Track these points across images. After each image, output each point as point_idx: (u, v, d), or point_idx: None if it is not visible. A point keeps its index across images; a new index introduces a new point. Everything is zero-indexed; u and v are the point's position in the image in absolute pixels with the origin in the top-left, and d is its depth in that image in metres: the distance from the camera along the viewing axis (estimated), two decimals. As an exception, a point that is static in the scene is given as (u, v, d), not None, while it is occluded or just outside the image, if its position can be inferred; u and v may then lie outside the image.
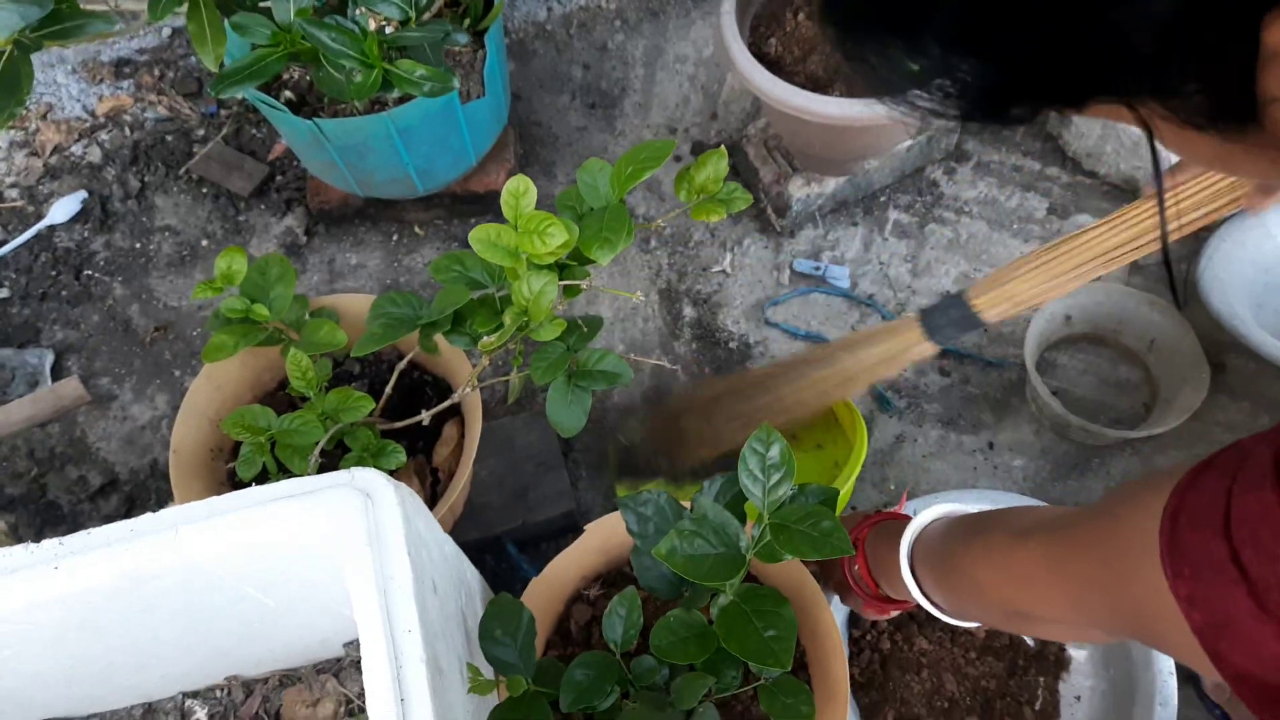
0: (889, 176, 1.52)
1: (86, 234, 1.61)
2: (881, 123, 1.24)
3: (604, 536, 0.98)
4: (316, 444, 0.94)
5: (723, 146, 0.90)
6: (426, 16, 1.03)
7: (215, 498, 0.73)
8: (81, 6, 0.77)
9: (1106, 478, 1.32)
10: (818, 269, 1.48)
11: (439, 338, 0.99)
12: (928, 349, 1.04)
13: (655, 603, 0.97)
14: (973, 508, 0.77)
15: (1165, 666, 1.01)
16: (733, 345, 1.45)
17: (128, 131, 1.70)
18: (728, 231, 1.54)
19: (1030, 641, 1.12)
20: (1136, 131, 0.37)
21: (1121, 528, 0.50)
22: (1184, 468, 0.47)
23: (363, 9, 0.93)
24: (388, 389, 1.02)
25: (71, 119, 1.72)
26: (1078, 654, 1.12)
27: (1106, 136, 1.46)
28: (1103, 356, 1.41)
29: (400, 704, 0.64)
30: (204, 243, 1.60)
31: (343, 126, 1.26)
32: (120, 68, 1.76)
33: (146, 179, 1.65)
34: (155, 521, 0.71)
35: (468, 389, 0.99)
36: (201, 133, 1.69)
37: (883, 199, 1.55)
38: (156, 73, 1.74)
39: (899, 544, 0.77)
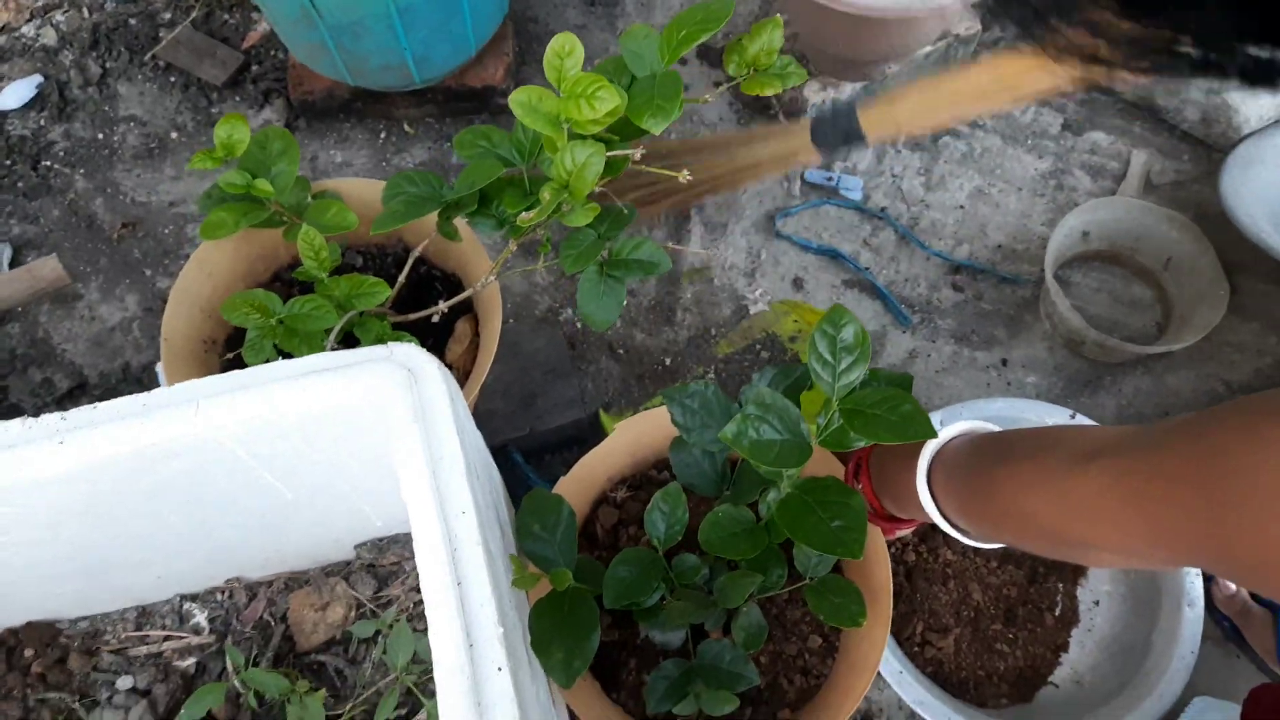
0: (905, 84, 1.47)
1: (43, 122, 1.48)
2: (911, 16, 1.18)
3: (634, 436, 0.93)
4: (330, 330, 0.86)
5: (777, 15, 0.83)
6: None
7: (239, 371, 0.66)
8: None
9: (1119, 395, 1.31)
10: (830, 179, 1.43)
11: (459, 221, 0.92)
12: (813, 156, 1.05)
13: (693, 500, 0.93)
14: (996, 428, 0.71)
15: (1191, 569, 1.01)
16: (741, 253, 1.39)
17: (86, 12, 1.56)
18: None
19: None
20: None
21: (1232, 461, 0.46)
22: None
23: None
24: (401, 277, 0.94)
25: (22, -4, 1.58)
26: (1096, 565, 1.11)
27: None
28: (1116, 275, 1.39)
29: (457, 587, 0.58)
30: (173, 135, 1.48)
31: (338, 2, 1.16)
32: (76, -58, 1.61)
33: (108, 65, 1.53)
34: (172, 395, 0.64)
35: (490, 278, 0.93)
36: (168, 16, 1.56)
37: (896, 109, 1.49)
38: (117, -51, 1.60)
39: (914, 462, 0.71)
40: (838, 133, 1.00)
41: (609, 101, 0.74)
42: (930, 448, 0.70)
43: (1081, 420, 1.09)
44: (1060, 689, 1.07)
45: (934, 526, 1.08)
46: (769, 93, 0.82)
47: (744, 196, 1.44)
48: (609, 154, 0.79)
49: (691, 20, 0.79)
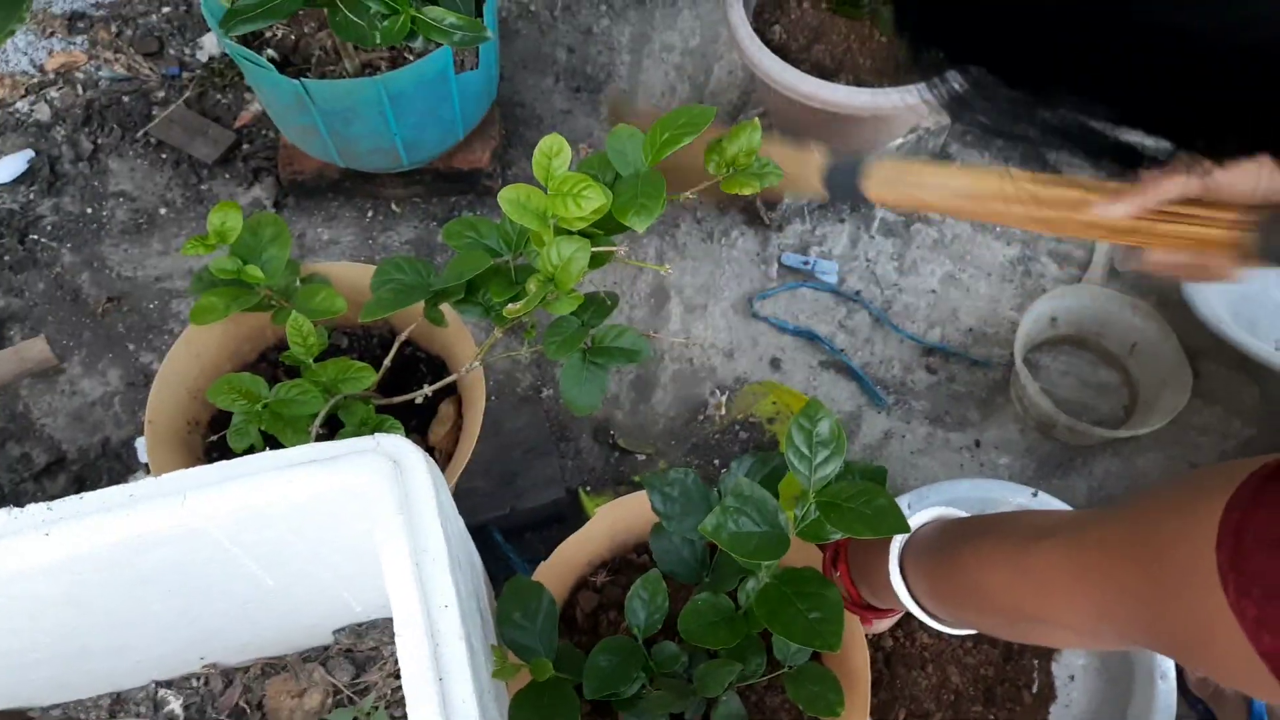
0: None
1: (32, 196, 1.50)
2: (886, 113, 1.23)
3: (614, 520, 0.94)
4: (315, 415, 0.88)
5: (756, 118, 0.87)
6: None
7: (226, 462, 0.67)
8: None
9: (1089, 477, 1.34)
10: (806, 264, 1.47)
11: (446, 308, 0.94)
12: (820, 191, 1.02)
13: (672, 588, 0.93)
14: (965, 513, 0.73)
15: (1163, 658, 1.02)
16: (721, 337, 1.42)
17: (80, 90, 1.60)
18: (715, 223, 1.52)
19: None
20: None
21: (1165, 536, 0.47)
22: (1222, 473, 0.45)
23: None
24: (387, 361, 0.96)
25: (17, 73, 1.61)
26: (1070, 649, 1.12)
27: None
28: (1084, 359, 1.43)
29: (439, 683, 0.59)
30: (162, 211, 1.51)
31: (332, 89, 1.19)
32: (74, 21, 1.65)
33: (100, 141, 1.55)
34: (159, 486, 0.65)
35: (475, 364, 0.95)
36: (162, 95, 1.59)
37: (870, 196, 1.54)
38: (114, 29, 1.64)
39: (887, 549, 0.72)
40: (840, 183, 1.00)
41: (595, 200, 0.77)
42: (900, 536, 0.72)
43: (1045, 498, 1.11)
44: (1041, 771, 1.07)
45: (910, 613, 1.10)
46: (747, 192, 0.85)
47: (722, 279, 1.47)
48: (594, 249, 0.82)
49: (674, 124, 0.82)
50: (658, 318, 1.44)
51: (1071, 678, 1.10)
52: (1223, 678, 0.46)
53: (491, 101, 1.44)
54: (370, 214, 1.51)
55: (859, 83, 1.24)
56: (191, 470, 0.66)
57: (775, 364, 1.41)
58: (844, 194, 0.99)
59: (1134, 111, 0.33)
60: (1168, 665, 1.01)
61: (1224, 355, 1.37)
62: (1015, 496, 1.12)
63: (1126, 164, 0.36)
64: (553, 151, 0.79)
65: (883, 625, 0.86)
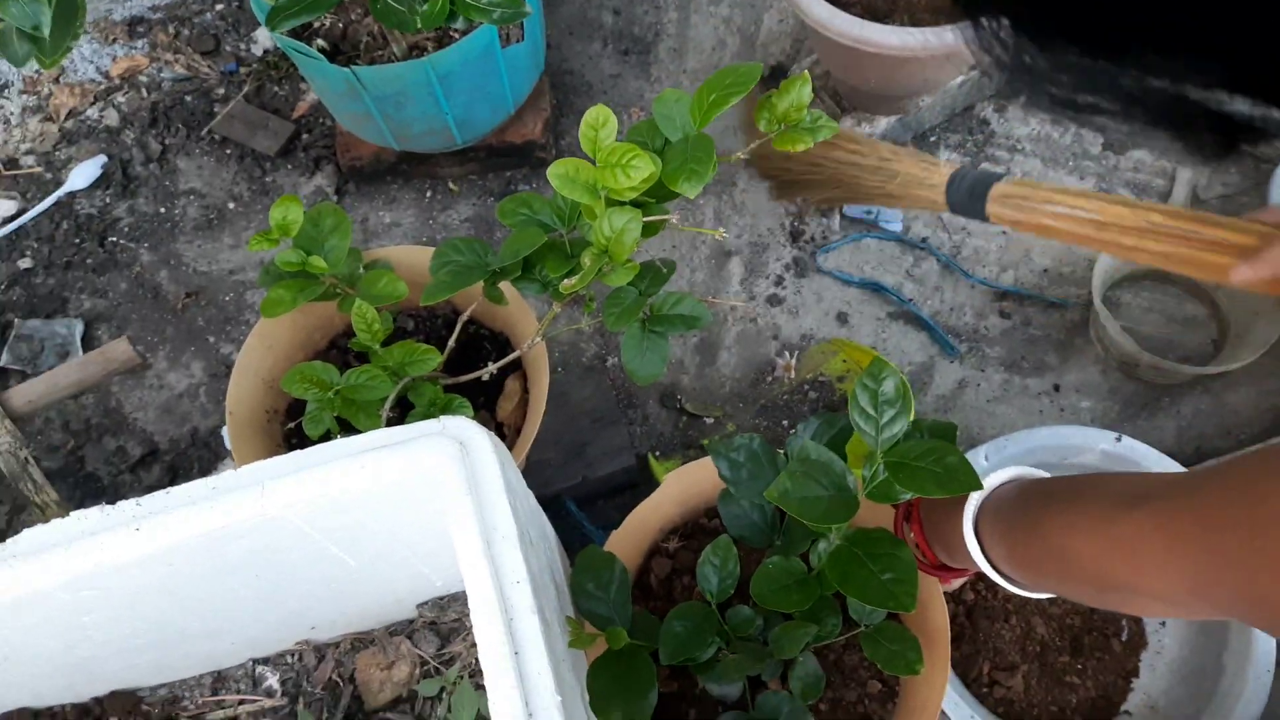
0: (940, 115, 1.47)
1: (108, 200, 1.56)
2: (943, 53, 1.19)
3: (684, 486, 0.94)
4: (385, 399, 0.89)
5: (805, 72, 0.85)
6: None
7: (299, 452, 0.69)
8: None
9: (1178, 416, 1.29)
10: (869, 213, 1.44)
11: (505, 285, 0.94)
12: (940, 204, 0.99)
13: (743, 551, 0.93)
14: (1046, 473, 0.71)
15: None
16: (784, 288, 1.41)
17: (145, 93, 1.64)
18: (773, 177, 1.49)
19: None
20: None
21: (1273, 507, 0.44)
22: None
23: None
24: (451, 341, 0.97)
25: (85, 81, 1.66)
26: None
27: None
28: (1167, 293, 1.37)
29: (515, 657, 0.60)
30: (231, 205, 1.55)
31: (381, 74, 1.20)
32: (133, 26, 1.70)
33: (167, 141, 1.60)
34: (239, 478, 0.68)
35: (537, 338, 0.95)
36: (222, 91, 1.63)
37: (933, 138, 1.50)
38: (171, 30, 1.68)
39: (961, 508, 0.70)
40: (962, 197, 0.97)
41: (644, 170, 0.76)
42: (975, 497, 0.70)
43: (1129, 443, 1.07)
44: (1135, 717, 1.05)
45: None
46: (800, 148, 0.83)
47: (783, 234, 1.45)
48: (645, 219, 0.81)
49: (721, 84, 0.81)
50: (718, 279, 1.43)
51: (1163, 624, 1.06)
52: None
53: (540, 73, 1.43)
54: (429, 194, 1.52)
55: (914, 22, 1.20)
56: (268, 461, 0.68)
57: (842, 318, 1.38)
58: (966, 210, 0.95)
59: (1239, 71, 0.28)
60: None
61: (1321, 281, 1.30)
62: (1098, 442, 1.08)
63: (1223, 136, 0.31)
64: (599, 123, 0.79)
65: (958, 583, 0.85)
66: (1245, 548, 0.46)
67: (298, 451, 0.69)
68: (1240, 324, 1.29)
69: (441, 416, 0.71)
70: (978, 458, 1.09)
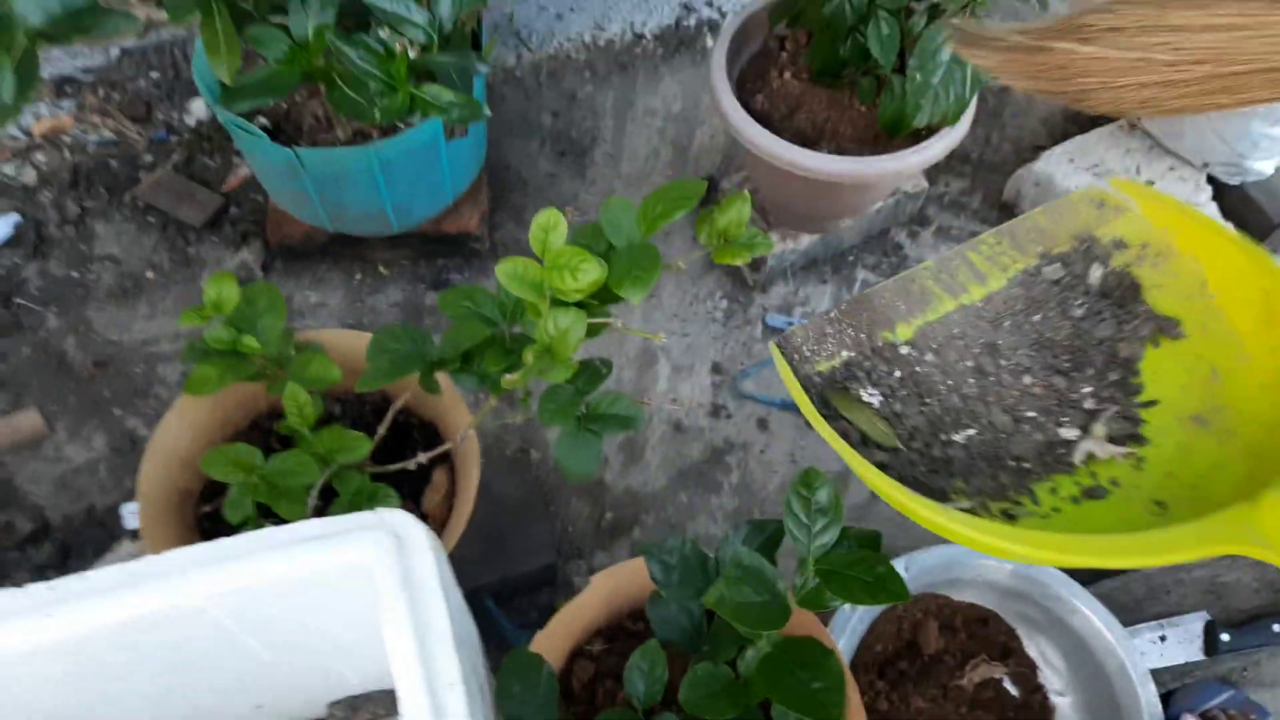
0: (857, 236, 1.56)
1: (18, 260, 1.50)
2: (867, 180, 1.26)
3: (612, 587, 0.94)
4: (312, 486, 0.88)
5: (746, 191, 0.89)
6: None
7: (227, 540, 0.67)
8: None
9: (1073, 533, 1.35)
10: (790, 324, 1.49)
11: (441, 377, 0.94)
12: None
13: (669, 656, 0.93)
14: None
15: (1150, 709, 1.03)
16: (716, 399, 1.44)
17: (67, 154, 1.61)
18: (699, 284, 1.54)
19: (1014, 692, 1.12)
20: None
21: None
22: None
23: (388, 30, 0.90)
24: (382, 429, 0.96)
25: (3, 138, 1.61)
26: (1060, 702, 1.13)
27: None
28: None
29: (446, 765, 0.59)
30: (149, 274, 1.51)
31: (323, 157, 1.21)
32: (61, 86, 1.67)
33: (86, 204, 1.56)
34: (160, 565, 0.65)
35: (469, 430, 0.95)
36: (149, 159, 1.60)
37: (850, 258, 1.58)
38: (102, 94, 1.66)
39: None
40: None
41: (592, 273, 0.79)
42: None
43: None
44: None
45: (904, 673, 1.10)
46: (738, 262, 0.87)
47: (708, 340, 1.49)
48: (590, 320, 0.83)
49: (667, 197, 0.84)
50: (645, 378, 1.46)
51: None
52: None
53: (480, 167, 1.46)
54: (358, 277, 1.52)
55: (840, 150, 1.28)
56: (193, 548, 0.66)
57: (763, 425, 1.42)
58: None
59: None
60: (1156, 710, 1.02)
61: None
62: (1007, 561, 1.13)
63: None
64: (550, 225, 0.81)
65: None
66: None
67: (224, 539, 0.66)
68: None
69: (378, 508, 0.70)
70: (899, 567, 1.13)
